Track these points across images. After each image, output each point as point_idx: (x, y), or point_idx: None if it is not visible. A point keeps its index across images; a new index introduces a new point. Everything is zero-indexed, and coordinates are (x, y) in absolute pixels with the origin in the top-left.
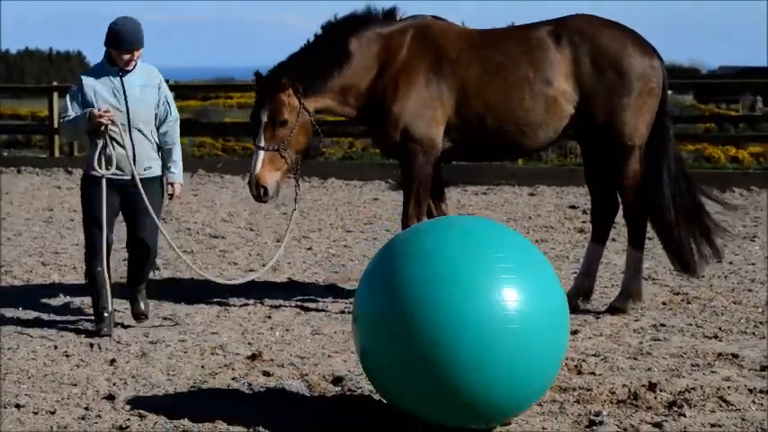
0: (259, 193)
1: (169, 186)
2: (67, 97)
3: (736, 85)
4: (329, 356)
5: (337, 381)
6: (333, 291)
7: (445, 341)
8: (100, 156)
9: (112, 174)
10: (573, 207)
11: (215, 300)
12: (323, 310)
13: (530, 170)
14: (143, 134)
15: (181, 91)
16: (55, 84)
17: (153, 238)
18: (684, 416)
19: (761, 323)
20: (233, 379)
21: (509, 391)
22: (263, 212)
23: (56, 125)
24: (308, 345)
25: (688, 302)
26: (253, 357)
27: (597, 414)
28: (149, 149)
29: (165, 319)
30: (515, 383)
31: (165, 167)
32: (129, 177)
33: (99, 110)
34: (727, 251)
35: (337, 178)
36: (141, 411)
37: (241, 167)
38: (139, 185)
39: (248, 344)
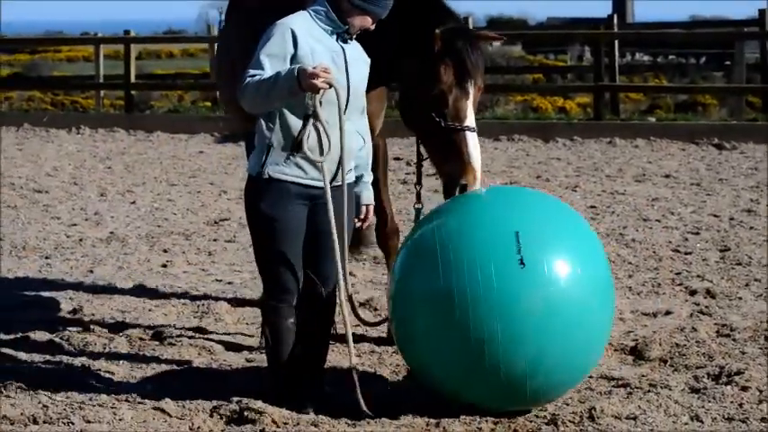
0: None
1: (363, 208)
2: (261, 50)
3: (563, 35)
4: (150, 311)
5: (157, 335)
6: (154, 244)
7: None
8: (303, 138)
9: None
10: (397, 159)
11: (36, 255)
12: (144, 265)
13: None
14: (354, 125)
15: (9, 45)
16: None
17: (333, 281)
18: None
19: None
20: (54, 333)
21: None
22: (88, 167)
23: None
24: (128, 299)
25: None
26: (74, 312)
27: None
28: (356, 148)
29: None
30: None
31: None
32: (322, 184)
33: (315, 67)
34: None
35: (163, 131)
36: None
37: (67, 121)
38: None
39: (69, 299)
